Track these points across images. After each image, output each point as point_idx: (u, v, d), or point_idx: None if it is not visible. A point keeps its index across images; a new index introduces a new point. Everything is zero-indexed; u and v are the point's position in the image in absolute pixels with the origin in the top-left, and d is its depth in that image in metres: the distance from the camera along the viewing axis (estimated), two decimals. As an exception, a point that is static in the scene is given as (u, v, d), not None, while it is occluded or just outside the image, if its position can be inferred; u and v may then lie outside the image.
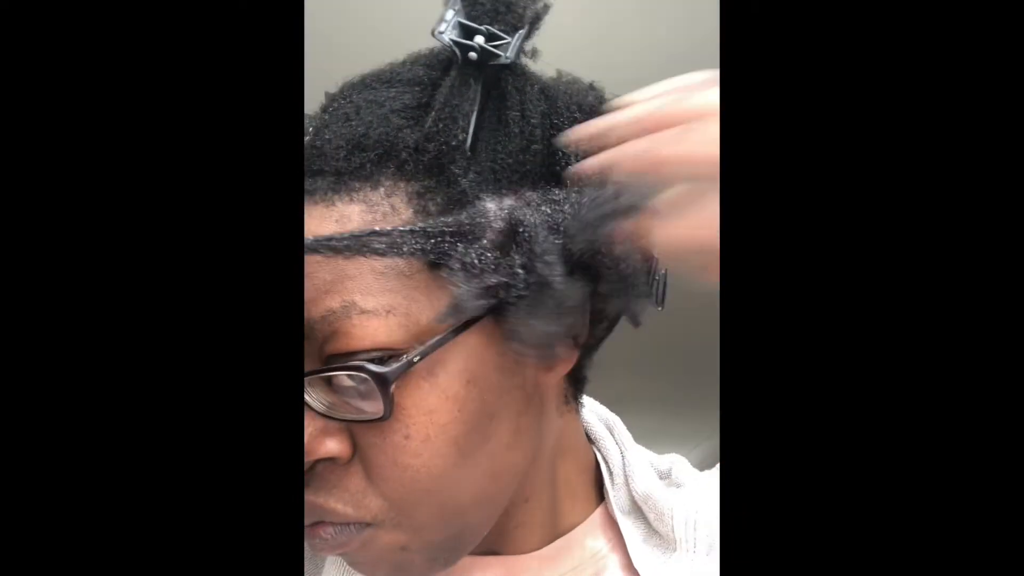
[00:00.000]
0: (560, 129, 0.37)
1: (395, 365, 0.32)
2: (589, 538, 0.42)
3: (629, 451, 0.45)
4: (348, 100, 0.36)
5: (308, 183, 0.34)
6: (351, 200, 0.34)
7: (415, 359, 0.32)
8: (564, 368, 0.39)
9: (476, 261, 0.32)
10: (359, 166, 0.34)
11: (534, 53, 0.38)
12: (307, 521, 0.35)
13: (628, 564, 0.41)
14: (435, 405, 0.33)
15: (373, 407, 0.33)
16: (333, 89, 0.39)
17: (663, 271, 0.40)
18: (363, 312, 0.32)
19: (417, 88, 0.36)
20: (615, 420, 0.47)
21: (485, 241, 0.33)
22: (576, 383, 0.42)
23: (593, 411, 0.48)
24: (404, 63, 0.38)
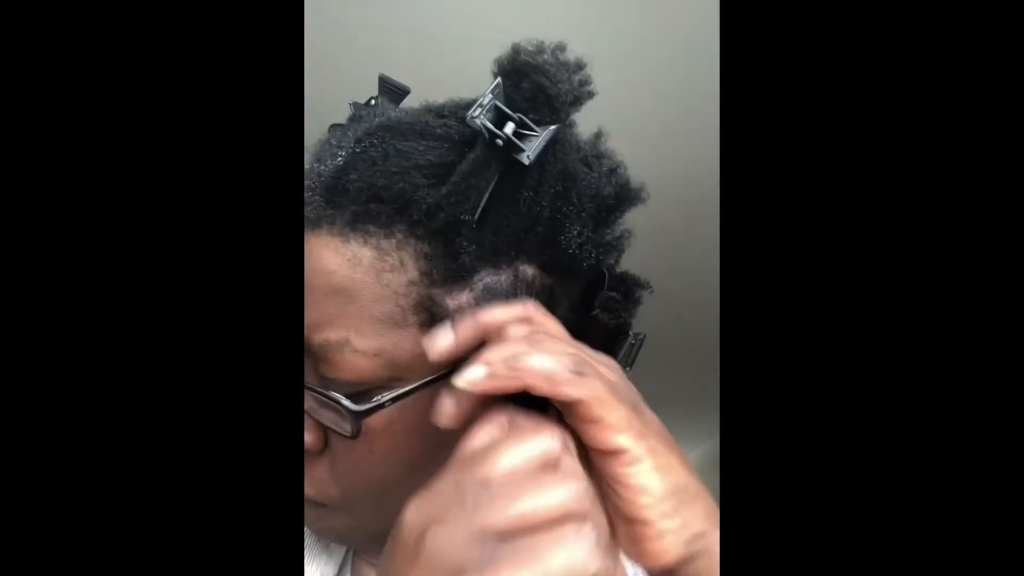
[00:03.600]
0: (568, 217, 0.38)
1: (367, 405, 0.36)
2: None
3: None
4: (381, 142, 0.37)
5: (328, 212, 0.36)
6: (364, 243, 0.36)
7: (386, 403, 0.36)
8: None
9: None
10: (376, 213, 0.36)
11: (572, 124, 0.39)
12: None
13: None
14: (400, 432, 0.37)
15: (346, 425, 0.37)
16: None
17: (641, 335, 0.41)
18: (355, 351, 0.36)
19: (446, 145, 0.37)
20: None
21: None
22: None
23: None
24: (442, 112, 0.39)
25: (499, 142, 0.35)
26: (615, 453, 0.30)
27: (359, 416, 0.36)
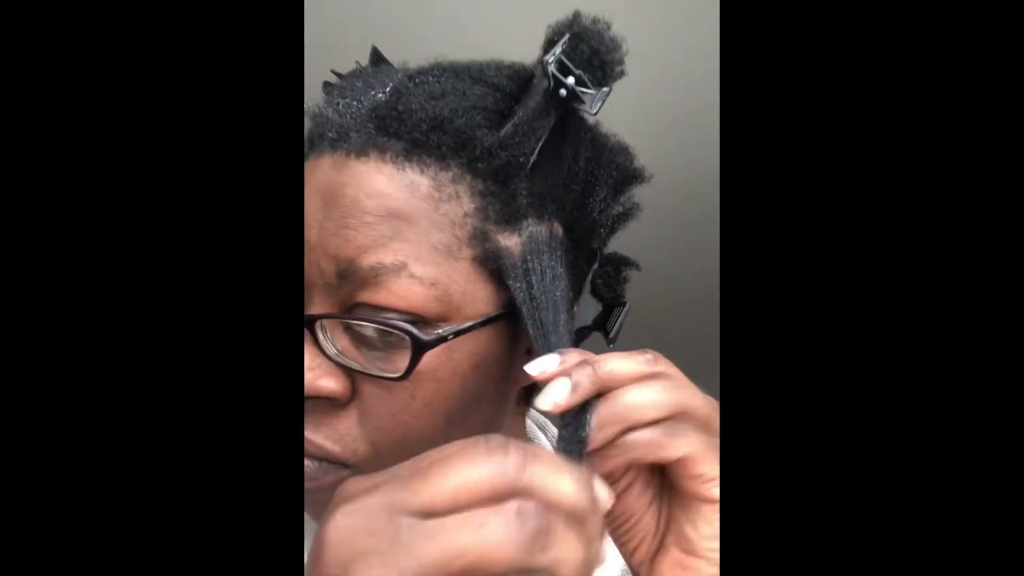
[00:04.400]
0: (598, 179, 0.40)
1: (433, 335, 0.34)
2: None
3: None
4: (436, 80, 0.37)
5: (378, 139, 0.35)
6: (421, 172, 0.35)
7: (448, 336, 0.34)
8: (528, 379, 0.40)
9: (519, 278, 0.35)
10: (436, 145, 0.35)
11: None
12: None
13: None
14: (445, 377, 0.35)
15: (391, 364, 0.34)
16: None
17: (625, 307, 0.43)
18: (412, 276, 0.34)
19: (499, 95, 0.38)
20: (546, 422, 0.52)
21: (519, 258, 0.36)
22: (528, 393, 0.45)
23: (527, 415, 0.51)
24: (490, 66, 0.40)
25: (563, 92, 0.35)
26: (711, 501, 0.31)
27: (424, 348, 0.34)
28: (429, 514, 0.23)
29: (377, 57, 0.44)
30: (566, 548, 0.23)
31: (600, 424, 0.30)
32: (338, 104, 0.38)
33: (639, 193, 0.44)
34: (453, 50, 0.40)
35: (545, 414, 0.49)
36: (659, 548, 0.33)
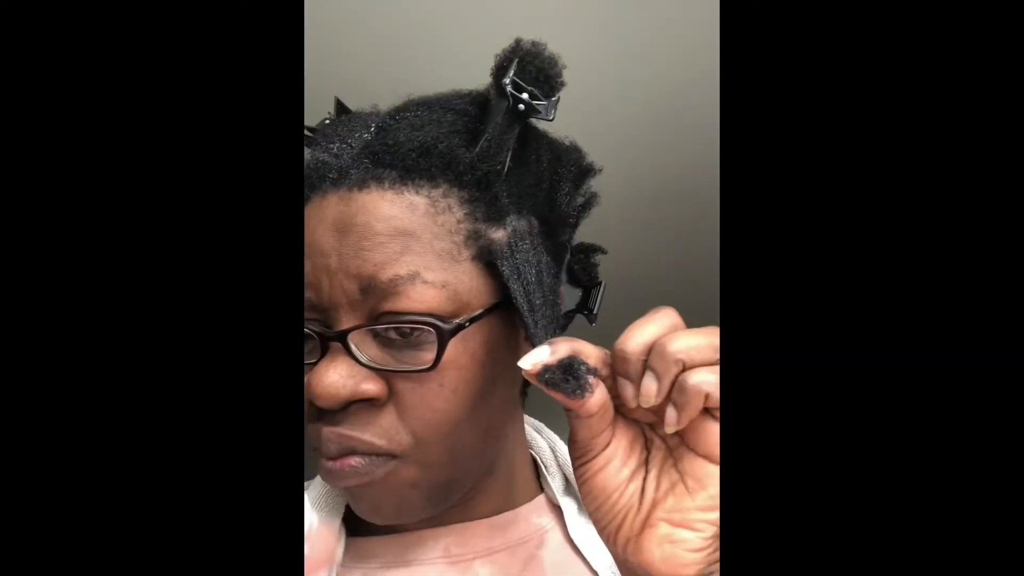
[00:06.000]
0: (561, 176, 0.47)
1: (452, 324, 0.40)
2: (534, 515, 0.51)
3: (559, 444, 0.57)
4: (415, 114, 0.44)
5: (376, 172, 0.42)
6: (417, 193, 0.41)
7: (465, 323, 0.41)
8: None
9: (508, 264, 0.42)
10: (426, 168, 0.42)
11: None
12: (335, 454, 0.41)
13: (567, 537, 0.51)
14: (465, 363, 0.41)
15: (419, 359, 0.40)
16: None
17: (602, 285, 0.50)
18: (425, 282, 0.40)
19: (466, 119, 0.44)
20: (540, 424, 0.59)
21: (506, 247, 0.43)
22: (525, 383, 0.52)
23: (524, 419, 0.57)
24: (453, 97, 0.46)
25: (521, 107, 0.42)
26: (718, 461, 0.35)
27: (447, 336, 0.40)
28: None
29: (341, 108, 0.51)
30: None
31: (659, 373, 0.35)
32: (331, 148, 0.44)
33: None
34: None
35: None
36: (644, 525, 0.36)
